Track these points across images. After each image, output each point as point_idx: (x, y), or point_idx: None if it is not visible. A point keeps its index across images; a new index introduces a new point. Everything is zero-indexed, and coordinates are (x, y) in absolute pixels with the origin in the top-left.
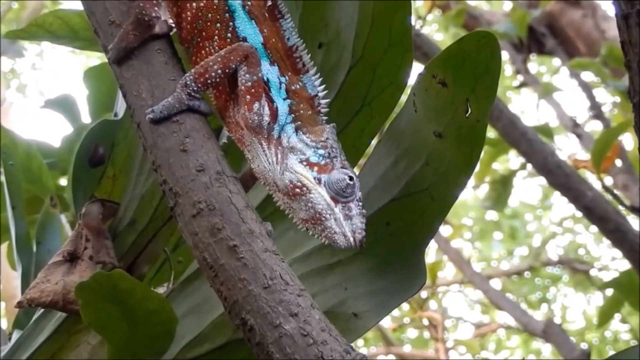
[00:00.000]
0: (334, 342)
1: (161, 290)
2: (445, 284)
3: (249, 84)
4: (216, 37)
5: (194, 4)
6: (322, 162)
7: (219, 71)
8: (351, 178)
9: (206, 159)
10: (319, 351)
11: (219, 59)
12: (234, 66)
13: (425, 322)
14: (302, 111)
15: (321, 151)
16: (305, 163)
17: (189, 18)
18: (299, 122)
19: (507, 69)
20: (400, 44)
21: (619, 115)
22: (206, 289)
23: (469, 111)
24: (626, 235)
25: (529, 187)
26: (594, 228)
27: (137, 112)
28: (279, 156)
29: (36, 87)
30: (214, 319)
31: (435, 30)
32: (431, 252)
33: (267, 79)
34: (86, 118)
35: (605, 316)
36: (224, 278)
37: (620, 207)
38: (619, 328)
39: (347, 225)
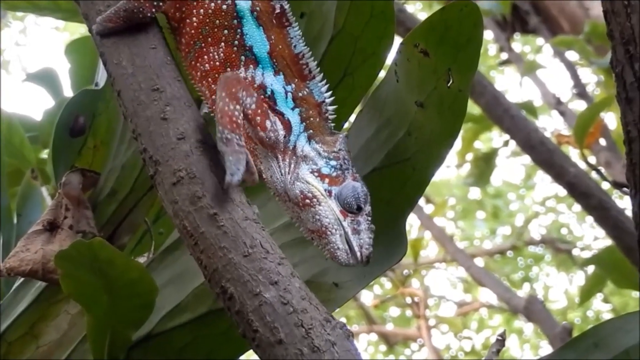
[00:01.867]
0: (314, 310)
1: (141, 260)
2: (428, 262)
3: (253, 106)
4: (223, 43)
5: (202, 10)
6: (334, 174)
7: (236, 108)
8: (362, 192)
9: (187, 127)
10: (299, 319)
11: (227, 99)
12: (240, 95)
13: (408, 300)
14: (312, 118)
15: (333, 162)
16: (316, 174)
17: (194, 23)
18: (311, 131)
19: (491, 48)
20: (382, 15)
21: (603, 93)
22: (186, 259)
23: (451, 81)
24: (609, 212)
25: (512, 166)
26: (576, 207)
27: (118, 80)
28: (292, 166)
29: (19, 64)
30: (193, 288)
31: (419, 9)
32: (413, 230)
33: (272, 91)
34: (68, 92)
35: (587, 294)
36: (204, 246)
37: (604, 183)
38: (601, 308)
39: (354, 240)
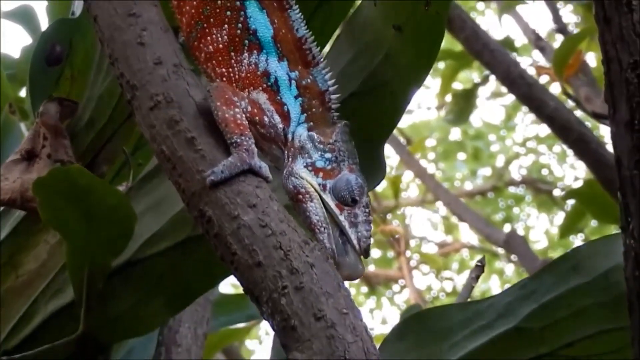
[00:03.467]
0: (293, 232)
1: (120, 189)
2: (409, 204)
3: (249, 107)
4: (226, 25)
5: None
6: (328, 167)
7: (235, 112)
8: (357, 184)
9: (163, 52)
10: (277, 242)
11: (224, 107)
12: (234, 99)
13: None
14: (314, 109)
15: (328, 155)
16: (310, 168)
17: (194, 2)
18: (311, 123)
19: None
20: None
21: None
22: (164, 187)
23: (429, 4)
24: (589, 145)
25: (492, 107)
26: (557, 148)
27: (94, 6)
28: (290, 159)
29: None
30: (172, 216)
31: None
32: (394, 170)
33: (276, 78)
34: None
35: (567, 228)
36: (182, 170)
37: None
38: None
39: (352, 233)
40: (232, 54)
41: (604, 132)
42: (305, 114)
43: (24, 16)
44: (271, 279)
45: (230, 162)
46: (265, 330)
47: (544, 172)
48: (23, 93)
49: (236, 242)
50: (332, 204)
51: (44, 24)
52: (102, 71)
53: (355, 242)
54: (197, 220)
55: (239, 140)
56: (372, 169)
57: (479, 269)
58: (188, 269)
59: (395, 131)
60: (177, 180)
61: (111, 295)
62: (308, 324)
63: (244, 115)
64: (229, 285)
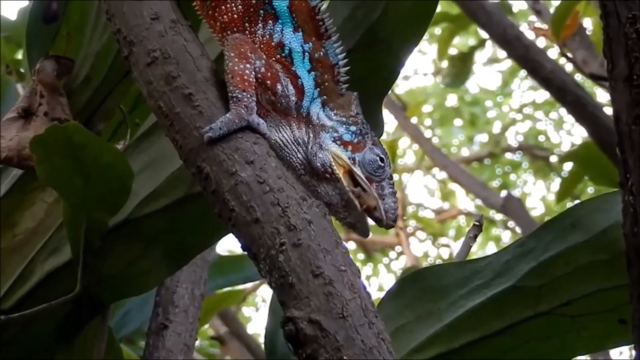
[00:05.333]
0: (291, 189)
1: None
2: (406, 170)
3: (262, 69)
4: None
5: None
6: (355, 140)
7: (246, 67)
8: (383, 157)
9: (160, 8)
10: (275, 198)
11: (236, 59)
12: (250, 55)
13: None
14: (326, 83)
15: (353, 128)
16: (339, 142)
17: None
18: (325, 97)
19: None
20: None
21: None
22: (161, 144)
23: None
24: (585, 108)
25: (489, 73)
26: (554, 115)
27: None
28: (311, 134)
29: None
30: (169, 174)
31: None
32: (390, 132)
33: (290, 50)
34: None
35: (564, 192)
36: (180, 127)
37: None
38: None
39: (381, 205)
40: (247, 24)
41: (601, 98)
42: (318, 89)
43: None
44: (269, 235)
45: (228, 119)
46: (262, 297)
47: (541, 138)
48: (20, 56)
49: (234, 199)
50: (362, 177)
51: None
52: (99, 28)
53: (383, 214)
54: (195, 177)
55: (239, 96)
56: (371, 125)
57: (477, 227)
58: (185, 226)
59: (392, 96)
60: (174, 137)
61: (108, 253)
62: (306, 281)
63: (253, 73)
64: (225, 250)
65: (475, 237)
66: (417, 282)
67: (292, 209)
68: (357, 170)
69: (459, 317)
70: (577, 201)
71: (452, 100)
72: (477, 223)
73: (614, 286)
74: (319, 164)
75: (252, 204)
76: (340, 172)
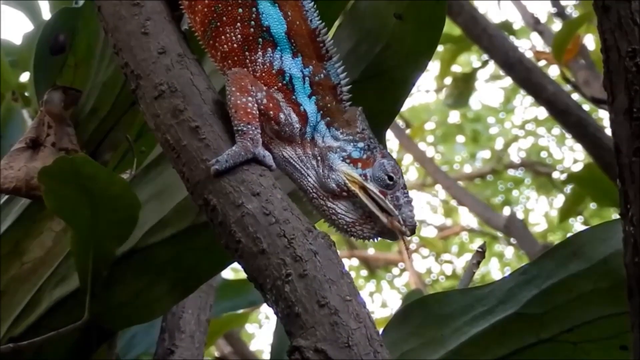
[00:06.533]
0: (296, 220)
1: (124, 177)
2: (408, 187)
3: (265, 100)
4: (239, 23)
5: None
6: (364, 157)
7: (248, 100)
8: (394, 167)
9: (167, 42)
10: (281, 229)
11: (238, 93)
12: (251, 87)
13: None
14: (329, 105)
15: (360, 144)
16: (348, 160)
17: (205, 1)
18: (328, 118)
19: None
20: None
21: (581, 11)
22: (168, 174)
23: None
24: (587, 130)
25: (491, 90)
26: (556, 131)
27: None
28: (318, 158)
29: None
30: (176, 204)
31: None
32: (393, 154)
33: (291, 76)
34: (47, 16)
35: (566, 212)
36: (186, 159)
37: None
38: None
39: (398, 216)
40: (247, 53)
41: (602, 115)
42: (321, 112)
43: (25, 2)
44: (275, 266)
45: (234, 151)
46: (265, 314)
47: (543, 154)
48: (23, 78)
49: (240, 230)
50: (376, 191)
51: (44, 9)
52: (105, 59)
53: (402, 223)
54: (202, 209)
55: (244, 129)
56: None
57: (480, 254)
58: (192, 256)
59: None
60: (181, 169)
61: (116, 282)
62: (312, 311)
63: (255, 106)
64: (229, 270)
65: (479, 263)
66: (421, 309)
67: (298, 240)
68: (370, 186)
69: (463, 344)
70: (579, 217)
71: (454, 117)
72: (480, 250)
73: (616, 313)
74: (333, 185)
75: (258, 236)
76: (355, 189)
